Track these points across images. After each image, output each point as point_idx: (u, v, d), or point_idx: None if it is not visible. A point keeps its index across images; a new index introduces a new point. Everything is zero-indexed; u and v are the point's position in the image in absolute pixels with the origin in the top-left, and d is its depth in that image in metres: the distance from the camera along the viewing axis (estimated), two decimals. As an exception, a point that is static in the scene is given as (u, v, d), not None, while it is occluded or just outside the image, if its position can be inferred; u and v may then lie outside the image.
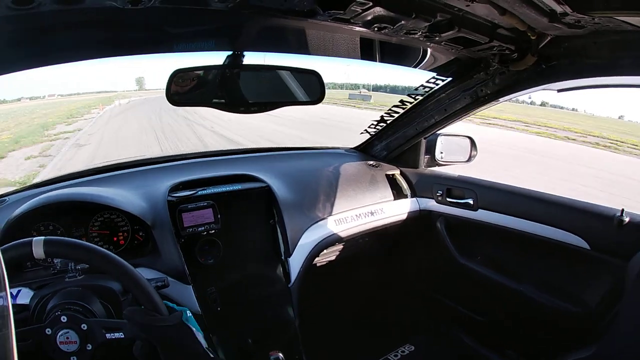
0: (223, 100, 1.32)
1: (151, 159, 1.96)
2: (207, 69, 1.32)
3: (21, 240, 0.98)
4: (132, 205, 1.55)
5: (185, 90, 1.32)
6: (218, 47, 1.36)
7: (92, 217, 1.52)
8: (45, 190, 1.56)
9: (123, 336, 1.03)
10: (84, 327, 1.01)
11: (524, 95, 1.97)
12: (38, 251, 0.98)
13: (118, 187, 1.68)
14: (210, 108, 1.36)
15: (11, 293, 1.04)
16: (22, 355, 0.48)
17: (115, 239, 1.55)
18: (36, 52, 1.16)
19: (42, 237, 1.00)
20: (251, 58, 1.35)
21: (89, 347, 1.02)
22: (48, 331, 1.00)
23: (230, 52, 1.32)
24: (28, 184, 1.68)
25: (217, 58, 1.34)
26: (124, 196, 1.60)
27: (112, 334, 1.03)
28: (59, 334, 1.00)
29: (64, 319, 1.01)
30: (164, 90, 1.25)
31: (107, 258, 1.05)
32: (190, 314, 1.15)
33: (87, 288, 1.10)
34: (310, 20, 1.20)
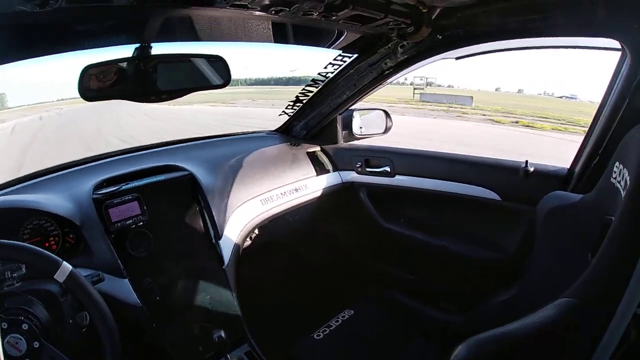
0: (134, 91, 1.33)
1: (74, 161, 1.90)
2: (116, 62, 1.31)
3: None
4: (59, 207, 1.53)
5: (97, 85, 1.31)
6: (127, 40, 1.37)
7: (21, 225, 1.48)
8: None
9: None
10: (25, 327, 1.01)
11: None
12: None
13: (42, 193, 1.63)
14: (122, 101, 1.37)
15: None
16: None
17: (47, 244, 1.51)
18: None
19: None
20: (161, 48, 1.37)
21: (36, 344, 1.02)
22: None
23: (138, 45, 1.33)
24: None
25: (127, 51, 1.35)
26: (49, 199, 1.57)
27: None
28: (5, 341, 0.99)
29: (4, 325, 1.00)
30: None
31: None
32: None
33: (26, 293, 1.09)
34: (210, 8, 1.24)
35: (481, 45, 1.79)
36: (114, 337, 1.12)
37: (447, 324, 2.15)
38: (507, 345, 0.92)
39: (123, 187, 1.66)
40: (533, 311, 0.98)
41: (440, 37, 1.78)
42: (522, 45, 1.81)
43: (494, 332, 0.93)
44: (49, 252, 1.10)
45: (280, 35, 1.72)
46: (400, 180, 2.28)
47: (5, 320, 1.00)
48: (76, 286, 1.11)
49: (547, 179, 1.80)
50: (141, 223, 1.64)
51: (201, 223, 1.82)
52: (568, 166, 1.77)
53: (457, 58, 1.95)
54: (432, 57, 1.91)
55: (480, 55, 1.91)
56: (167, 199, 1.76)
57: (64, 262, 1.10)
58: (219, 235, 1.79)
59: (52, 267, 1.08)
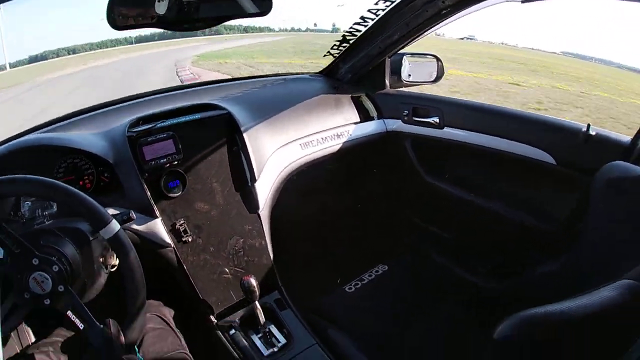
0: (167, 19, 1.24)
1: (110, 101, 1.89)
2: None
3: None
4: (93, 146, 1.51)
5: (126, 11, 1.24)
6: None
7: (56, 164, 1.47)
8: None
9: (81, 328, 1.03)
10: (55, 268, 1.01)
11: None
12: None
13: (78, 131, 1.63)
14: (154, 29, 1.29)
15: None
16: None
17: (81, 182, 1.51)
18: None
19: None
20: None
21: (61, 288, 1.01)
22: (27, 295, 1.00)
23: None
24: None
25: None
26: (84, 138, 1.55)
27: (74, 317, 1.03)
28: (31, 277, 0.99)
29: (35, 261, 1.00)
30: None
31: (43, 182, 1.06)
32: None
33: (57, 230, 1.09)
34: None
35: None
36: (140, 294, 1.11)
37: (483, 288, 2.08)
38: (557, 325, 0.84)
39: (158, 124, 1.62)
40: (581, 288, 0.90)
41: None
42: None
43: (541, 309, 0.85)
44: (100, 207, 1.09)
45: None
46: (449, 132, 2.14)
47: (38, 257, 1.00)
48: (118, 247, 1.10)
49: (608, 146, 1.64)
50: (176, 162, 1.61)
51: (238, 165, 1.78)
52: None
53: (524, 1, 1.75)
54: None
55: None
56: (203, 138, 1.71)
57: (113, 220, 1.08)
58: (255, 178, 1.75)
59: (99, 223, 1.08)
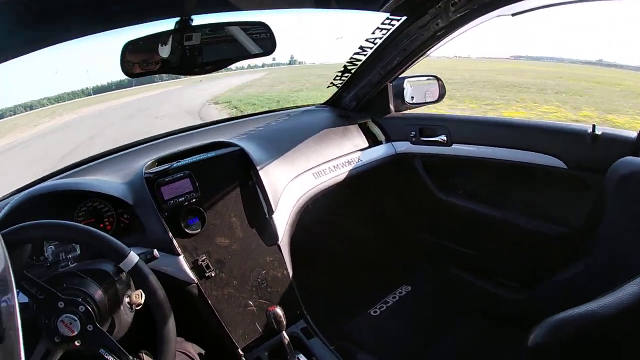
0: (177, 64, 1.32)
1: (125, 145, 1.95)
2: (157, 36, 1.31)
3: None
4: (112, 189, 1.56)
5: (138, 60, 1.32)
6: (166, 14, 1.35)
7: (76, 207, 1.53)
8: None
9: None
10: (81, 309, 1.03)
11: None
12: None
13: (96, 175, 1.69)
14: (164, 75, 1.36)
15: None
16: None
17: (101, 225, 1.55)
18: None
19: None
20: (202, 19, 1.35)
21: (90, 327, 1.03)
22: (57, 339, 1.01)
23: (178, 18, 1.31)
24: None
25: (167, 26, 1.33)
26: (102, 181, 1.61)
27: (107, 353, 1.04)
28: (59, 320, 1.00)
29: (61, 304, 1.02)
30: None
31: (60, 225, 1.08)
32: None
33: (81, 273, 1.11)
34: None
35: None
36: (168, 324, 1.13)
37: (507, 300, 2.06)
38: (589, 326, 0.83)
39: (174, 165, 1.68)
40: (605, 289, 0.89)
41: None
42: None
43: (570, 312, 0.85)
44: (118, 241, 1.12)
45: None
46: (458, 149, 2.17)
47: (63, 300, 1.02)
48: (140, 277, 1.12)
49: (615, 144, 1.65)
50: (194, 200, 1.65)
51: (254, 198, 1.82)
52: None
53: (514, 14, 1.80)
54: (487, 14, 1.76)
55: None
56: (218, 175, 1.76)
57: (132, 252, 1.11)
58: (272, 210, 1.78)
59: (119, 256, 1.10)
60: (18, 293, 1.02)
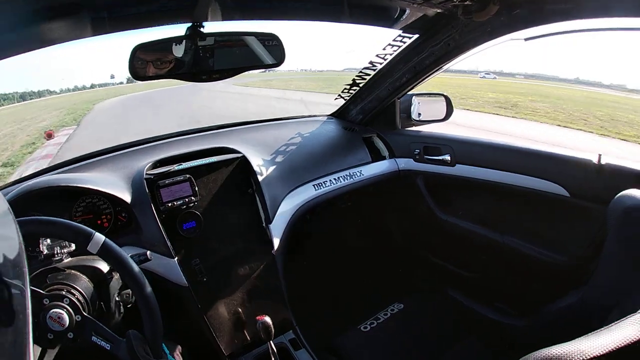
0: (184, 70, 1.31)
1: (129, 143, 1.96)
2: (167, 41, 1.31)
3: None
4: (112, 187, 1.57)
5: (147, 65, 1.32)
6: (178, 19, 1.35)
7: (75, 202, 1.53)
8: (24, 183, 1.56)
9: (108, 349, 1.04)
10: (66, 301, 1.02)
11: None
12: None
13: (97, 172, 1.69)
14: (174, 79, 1.36)
15: None
16: None
17: (99, 222, 1.56)
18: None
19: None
20: (213, 26, 1.35)
21: (78, 318, 1.03)
22: (50, 335, 1.00)
23: (189, 24, 1.31)
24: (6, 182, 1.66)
25: (178, 31, 1.33)
26: (103, 179, 1.62)
27: (99, 340, 1.04)
28: (47, 317, 1.00)
29: (46, 301, 1.01)
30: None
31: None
32: None
33: (74, 269, 1.12)
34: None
35: (554, 24, 1.63)
36: (149, 297, 1.12)
37: (502, 325, 2.04)
38: None
39: (175, 167, 1.68)
40: (599, 322, 0.87)
41: (508, 15, 1.63)
42: (602, 27, 1.65)
43: (559, 348, 0.83)
44: (80, 225, 1.10)
45: (339, 12, 1.65)
46: (461, 169, 2.16)
47: (47, 296, 1.02)
48: (110, 256, 1.11)
49: (621, 176, 1.63)
50: (192, 204, 1.66)
51: (252, 206, 1.82)
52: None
53: (527, 39, 1.79)
54: (499, 38, 1.76)
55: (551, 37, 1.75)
56: (219, 181, 1.76)
57: (97, 233, 1.10)
58: (269, 219, 1.78)
59: (84, 239, 1.09)
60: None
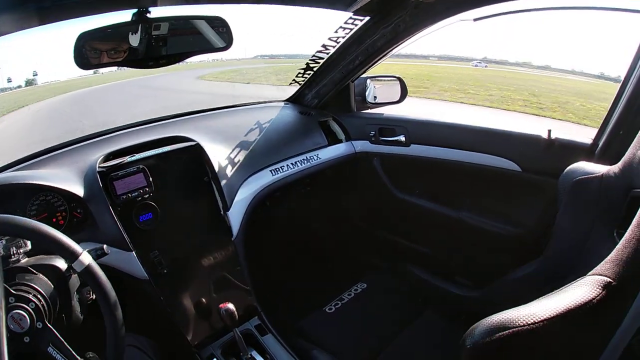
0: (132, 57, 1.28)
1: (79, 138, 1.88)
2: (112, 28, 1.27)
3: None
4: (64, 182, 1.52)
5: (93, 53, 1.27)
6: (124, 5, 1.31)
7: (28, 201, 1.47)
8: None
9: None
10: (31, 305, 1.00)
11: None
12: None
13: (48, 169, 1.62)
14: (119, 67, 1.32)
15: None
16: None
17: (54, 220, 1.50)
18: None
19: None
20: (160, 11, 1.31)
21: (39, 325, 1.01)
22: (8, 335, 0.94)
23: (135, 10, 1.28)
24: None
25: (124, 17, 1.29)
26: (55, 175, 1.56)
27: (55, 353, 1.01)
28: (9, 315, 0.98)
29: (12, 300, 0.99)
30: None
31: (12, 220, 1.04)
32: None
33: (32, 268, 1.08)
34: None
35: (503, 4, 1.67)
36: (118, 325, 1.10)
37: (461, 298, 2.10)
38: (527, 326, 0.84)
39: (128, 159, 1.64)
40: (553, 289, 0.92)
41: None
42: (551, 5, 1.70)
43: (511, 312, 0.86)
44: (71, 241, 1.08)
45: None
46: (416, 149, 2.20)
47: (14, 295, 1.00)
48: (92, 278, 1.08)
49: (570, 150, 1.71)
50: (147, 195, 1.62)
51: (209, 194, 1.79)
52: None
53: (476, 19, 1.84)
54: (449, 19, 1.80)
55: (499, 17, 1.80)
56: (173, 170, 1.73)
57: (85, 253, 1.08)
58: (227, 207, 1.77)
59: (72, 257, 1.07)
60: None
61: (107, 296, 1.09)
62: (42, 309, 1.02)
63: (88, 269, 1.07)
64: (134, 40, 1.28)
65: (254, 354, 1.64)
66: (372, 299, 2.25)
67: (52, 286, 1.08)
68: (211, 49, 1.34)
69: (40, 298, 1.03)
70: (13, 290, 1.00)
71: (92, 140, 1.85)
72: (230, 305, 1.55)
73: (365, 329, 2.02)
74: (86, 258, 1.08)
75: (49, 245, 1.07)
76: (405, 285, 2.31)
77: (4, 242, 1.12)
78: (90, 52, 1.26)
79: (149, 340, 1.54)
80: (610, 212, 1.27)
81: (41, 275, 1.08)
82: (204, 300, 1.68)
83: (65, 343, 1.03)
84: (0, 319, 0.50)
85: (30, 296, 1.01)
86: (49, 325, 1.02)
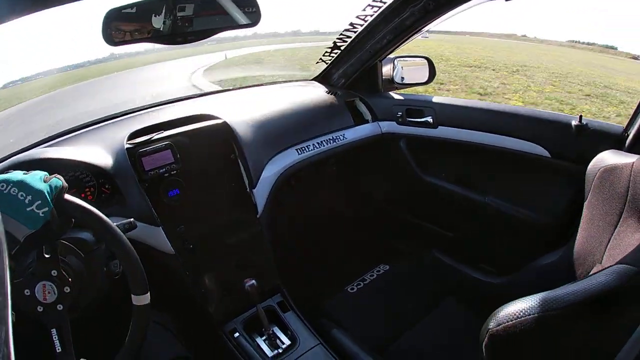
0: (159, 33, 1.28)
1: (107, 116, 1.92)
2: (139, 4, 1.27)
3: None
4: (93, 159, 1.55)
5: (120, 29, 1.28)
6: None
7: None
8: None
9: (58, 351, 1.02)
10: (66, 289, 1.02)
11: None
12: None
13: (77, 146, 1.66)
14: (148, 43, 1.33)
15: None
16: None
17: (83, 195, 1.54)
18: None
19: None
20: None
21: (60, 307, 1.02)
22: (27, 292, 1.00)
23: None
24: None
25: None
26: (84, 151, 1.59)
27: (55, 338, 1.02)
28: (43, 282, 1.00)
29: (54, 272, 1.01)
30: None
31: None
32: None
33: (65, 240, 1.10)
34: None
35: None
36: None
37: (484, 285, 2.08)
38: (551, 312, 0.84)
39: (155, 136, 1.66)
40: (578, 277, 0.90)
41: None
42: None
43: (535, 297, 0.86)
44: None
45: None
46: (443, 131, 2.17)
47: (57, 270, 1.01)
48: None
49: (601, 136, 1.65)
50: (174, 171, 1.64)
51: (235, 172, 1.81)
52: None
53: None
54: None
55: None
56: (200, 147, 1.74)
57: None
58: (253, 184, 1.78)
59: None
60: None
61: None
62: (70, 295, 1.03)
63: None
64: (161, 15, 1.28)
65: (276, 330, 1.67)
66: (394, 281, 2.25)
67: (79, 259, 1.10)
68: (239, 25, 1.33)
69: (75, 286, 1.04)
70: (57, 268, 1.02)
71: (120, 118, 1.89)
72: (255, 282, 1.57)
73: (385, 311, 2.03)
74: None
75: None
76: (428, 269, 2.31)
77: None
78: (117, 28, 1.27)
79: (171, 316, 1.58)
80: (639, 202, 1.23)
81: (69, 246, 1.09)
82: (227, 275, 1.70)
83: (70, 336, 1.04)
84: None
85: (71, 280, 1.03)
86: (65, 313, 1.03)
